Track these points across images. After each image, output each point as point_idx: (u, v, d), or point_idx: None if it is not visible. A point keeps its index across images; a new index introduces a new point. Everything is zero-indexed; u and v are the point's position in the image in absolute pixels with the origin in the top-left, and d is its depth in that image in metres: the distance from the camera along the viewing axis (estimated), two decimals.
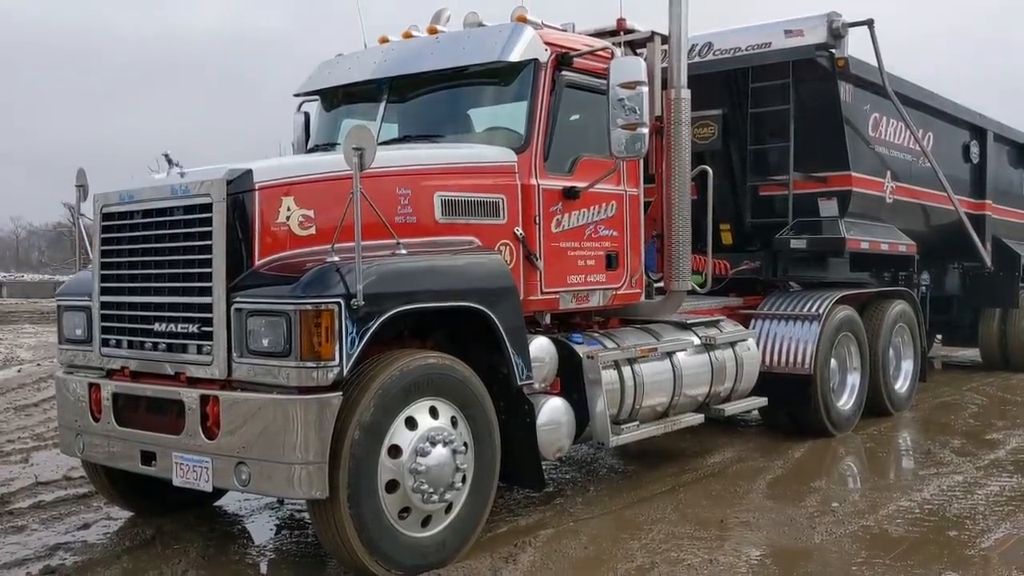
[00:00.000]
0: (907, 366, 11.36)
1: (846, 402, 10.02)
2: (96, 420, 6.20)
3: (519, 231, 6.65)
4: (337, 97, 7.88)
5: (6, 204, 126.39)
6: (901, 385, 11.22)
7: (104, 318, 6.19)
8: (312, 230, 5.70)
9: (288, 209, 5.63)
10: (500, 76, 6.93)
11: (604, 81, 6.89)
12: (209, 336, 5.51)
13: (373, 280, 5.29)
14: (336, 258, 5.31)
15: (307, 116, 8.58)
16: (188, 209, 5.65)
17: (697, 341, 8.04)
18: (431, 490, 5.55)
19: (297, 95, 8.19)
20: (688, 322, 8.22)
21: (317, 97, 8.15)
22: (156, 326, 5.82)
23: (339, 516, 5.23)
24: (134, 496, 6.91)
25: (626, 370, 7.23)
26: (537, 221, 6.77)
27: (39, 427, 10.95)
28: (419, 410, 5.63)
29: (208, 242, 5.52)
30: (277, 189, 5.61)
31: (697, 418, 8.00)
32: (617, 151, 6.60)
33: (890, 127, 11.15)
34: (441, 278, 5.83)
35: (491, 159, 6.61)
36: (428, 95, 7.23)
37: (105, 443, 6.15)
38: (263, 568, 6.04)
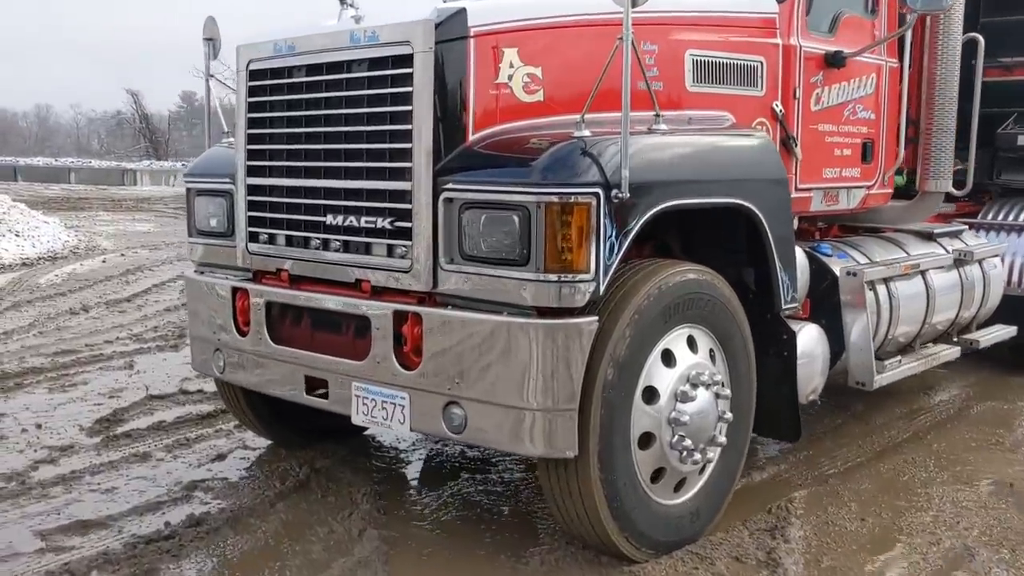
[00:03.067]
0: None
1: None
2: (242, 334, 4.93)
3: (778, 107, 5.13)
4: None
5: (66, 92, 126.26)
6: None
7: (252, 206, 4.85)
8: (539, 95, 4.24)
9: (511, 65, 4.16)
10: None
11: None
12: (405, 234, 4.14)
13: (639, 165, 3.84)
14: (586, 132, 3.86)
15: None
16: (375, 63, 4.21)
17: (947, 256, 6.49)
18: (692, 446, 4.21)
19: None
20: (935, 231, 6.66)
21: None
22: (328, 218, 4.46)
23: (586, 481, 3.92)
24: (277, 424, 5.69)
25: (881, 290, 5.76)
26: (796, 95, 5.23)
27: (136, 325, 9.88)
28: (676, 341, 4.25)
29: (405, 108, 4.10)
30: (498, 37, 4.14)
31: (954, 351, 6.53)
32: (914, 2, 4.98)
33: None
34: (707, 166, 4.35)
35: (750, 7, 5.03)
36: None
37: (255, 364, 4.89)
38: (462, 528, 4.77)
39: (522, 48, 4.16)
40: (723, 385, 4.35)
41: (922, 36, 6.27)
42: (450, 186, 3.98)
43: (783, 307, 4.77)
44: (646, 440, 4.13)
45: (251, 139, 4.82)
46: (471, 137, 4.09)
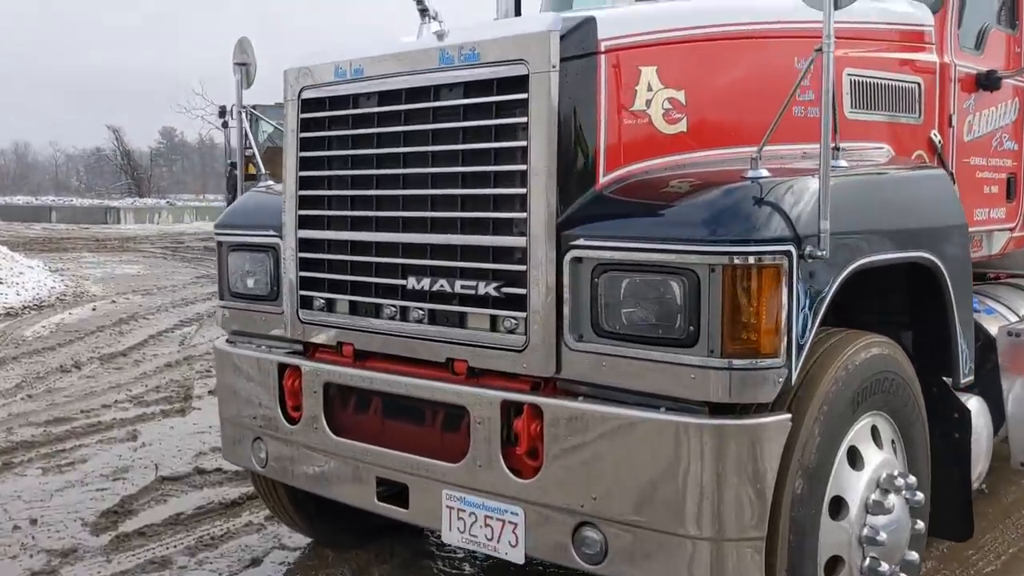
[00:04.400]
0: None
1: None
2: (292, 421, 4.00)
3: (936, 136, 4.28)
4: None
5: (44, 129, 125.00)
6: None
7: (305, 264, 3.94)
8: (682, 125, 3.37)
9: (649, 88, 3.28)
10: None
11: None
12: (517, 302, 3.24)
13: (833, 213, 2.95)
14: (763, 172, 2.97)
15: None
16: (475, 88, 3.33)
17: None
18: (886, 571, 3.29)
19: None
20: None
21: None
22: (409, 281, 3.55)
23: None
24: (322, 520, 4.74)
25: None
26: (952, 122, 4.39)
27: (135, 385, 8.89)
28: (862, 435, 3.36)
29: (517, 143, 3.22)
30: (635, 52, 3.27)
31: None
32: None
33: None
34: (896, 212, 3.48)
35: (904, 18, 4.19)
36: None
37: (308, 459, 3.95)
38: None
39: (662, 67, 3.29)
40: (915, 489, 3.45)
41: None
42: (580, 242, 3.08)
43: (962, 380, 3.89)
44: (832, 567, 3.21)
45: (304, 183, 3.92)
46: (602, 179, 3.21)
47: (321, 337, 3.92)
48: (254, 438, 4.20)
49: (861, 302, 3.78)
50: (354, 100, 3.73)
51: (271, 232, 4.13)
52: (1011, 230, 5.08)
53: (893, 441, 3.53)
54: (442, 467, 3.44)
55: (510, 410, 3.25)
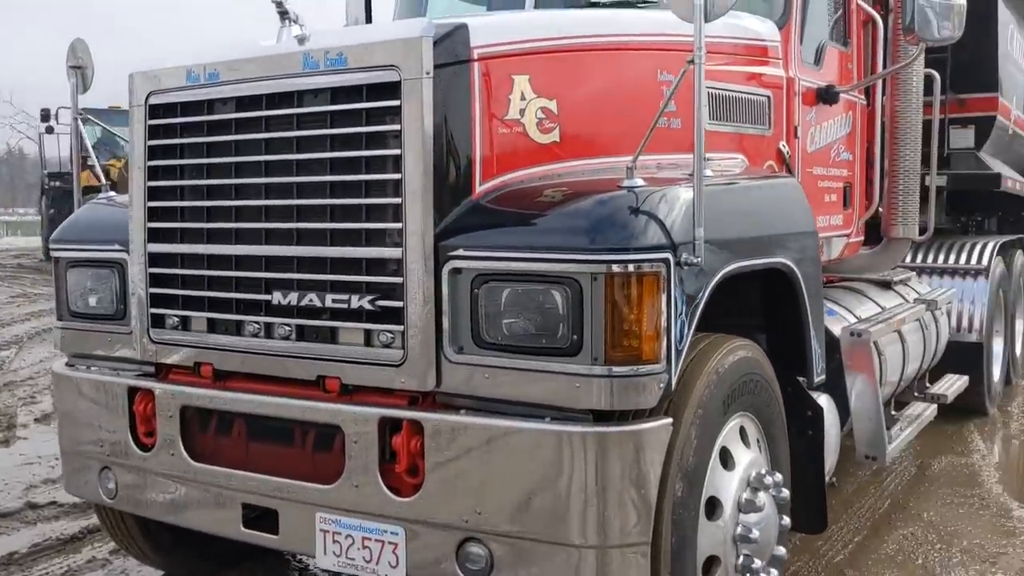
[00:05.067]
0: (1020, 327, 9.73)
1: (997, 373, 8.29)
2: (144, 448, 3.74)
3: (784, 147, 4.47)
4: None
5: None
6: (1021, 351, 9.61)
7: (156, 280, 3.71)
8: (554, 135, 3.37)
9: (522, 97, 3.27)
10: None
11: None
12: (393, 315, 3.14)
13: (709, 220, 3.02)
14: (639, 181, 3.01)
15: None
16: (341, 94, 3.22)
17: (920, 307, 6.06)
18: (759, 567, 3.39)
19: None
20: (894, 280, 6.22)
21: None
22: (274, 296, 3.39)
23: None
24: (178, 551, 4.46)
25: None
26: (798, 134, 4.60)
27: None
28: (732, 436, 3.45)
29: (390, 151, 3.13)
30: (507, 61, 3.25)
31: (933, 409, 6.06)
32: (927, 33, 4.45)
33: (1015, 43, 9.37)
34: (759, 220, 3.60)
35: (755, 34, 4.35)
36: None
37: (164, 488, 3.70)
38: None
39: (535, 75, 3.29)
40: (781, 486, 3.57)
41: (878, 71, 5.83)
42: (460, 253, 3.02)
43: (815, 379, 4.07)
44: (708, 568, 3.28)
45: (154, 194, 3.68)
46: (478, 188, 3.16)
47: (175, 357, 3.69)
48: (101, 468, 3.91)
49: (718, 307, 3.90)
50: (209, 106, 3.53)
51: (116, 247, 3.87)
52: (847, 236, 5.37)
53: (758, 440, 3.65)
54: (315, 489, 3.29)
55: (388, 427, 3.15)
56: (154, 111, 3.66)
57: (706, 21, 2.95)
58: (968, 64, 8.06)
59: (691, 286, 3.01)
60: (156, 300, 3.71)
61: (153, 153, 3.67)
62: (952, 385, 6.64)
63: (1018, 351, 9.50)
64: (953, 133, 8.53)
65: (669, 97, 3.08)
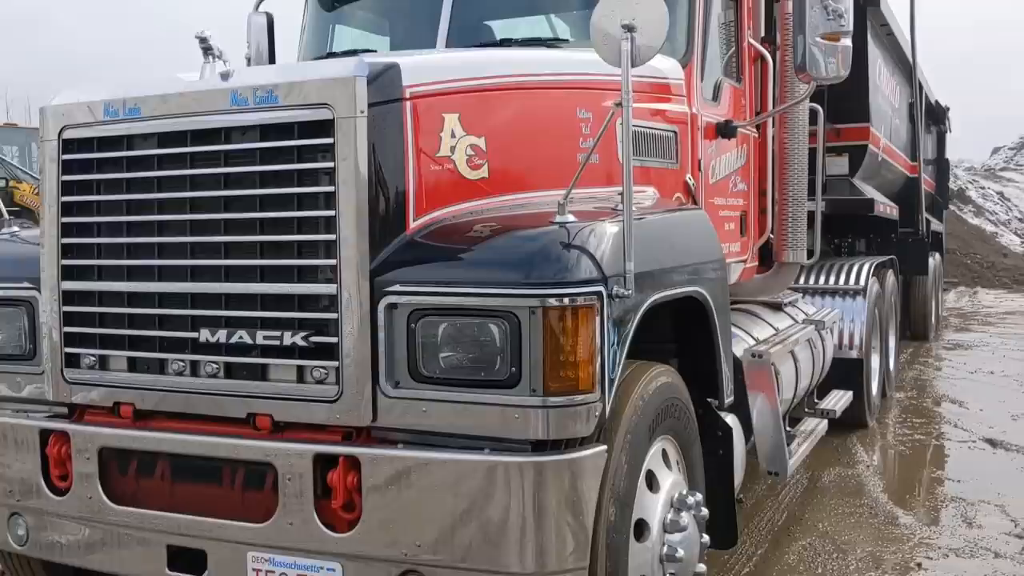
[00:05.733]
0: (892, 343, 10.35)
1: (875, 387, 8.80)
2: (59, 492, 3.62)
3: (691, 180, 4.67)
4: None
5: None
6: (892, 365, 10.21)
7: (71, 319, 3.61)
8: (483, 171, 3.46)
9: (452, 135, 3.35)
10: None
11: None
12: (327, 352, 3.16)
13: (636, 253, 3.16)
14: (570, 217, 3.13)
15: (270, 19, 6.02)
16: (272, 131, 3.22)
17: (811, 328, 6.39)
18: None
19: None
20: (784, 301, 6.54)
21: None
22: (202, 334, 3.35)
23: None
24: None
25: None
26: (701, 167, 4.82)
27: None
28: (656, 459, 3.59)
29: (323, 188, 3.16)
30: (438, 99, 3.32)
31: (824, 424, 6.38)
32: (816, 72, 4.74)
33: (882, 76, 10.02)
34: (678, 251, 3.76)
35: (663, 72, 4.54)
36: None
37: (81, 531, 3.59)
38: None
39: (464, 114, 3.37)
40: (702, 505, 3.73)
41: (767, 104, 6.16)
42: (396, 288, 3.07)
43: (726, 400, 4.26)
44: None
45: (68, 230, 3.59)
46: (412, 224, 3.22)
47: (92, 397, 3.60)
48: (10, 514, 3.76)
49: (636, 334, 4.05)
50: (129, 141, 3.47)
51: (24, 284, 3.74)
52: (744, 262, 5.63)
53: (678, 462, 3.81)
54: (246, 528, 3.26)
55: (323, 463, 3.15)
56: (68, 146, 3.58)
57: (632, 67, 3.08)
58: (842, 96, 8.57)
59: (622, 317, 3.14)
60: (71, 339, 3.61)
61: (68, 188, 3.58)
62: (839, 400, 7.02)
63: (891, 366, 10.09)
64: (829, 161, 9.03)
65: (598, 138, 3.22)
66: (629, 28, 3.13)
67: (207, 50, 3.40)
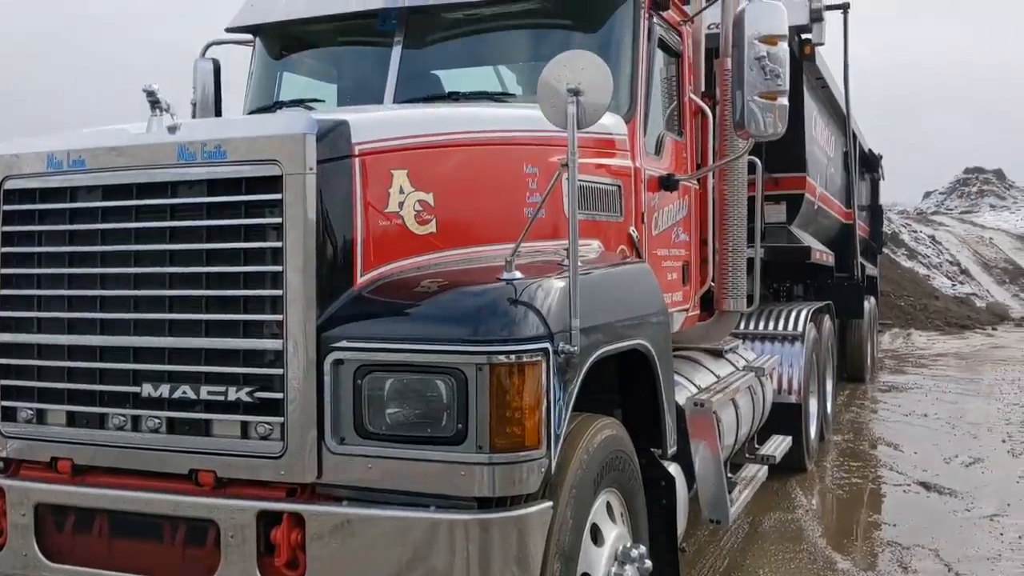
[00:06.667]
0: (829, 386, 10.56)
1: (813, 431, 8.96)
2: None
3: (634, 232, 4.76)
4: (302, 35, 5.49)
5: None
6: (830, 408, 10.41)
7: (6, 372, 3.55)
8: (431, 226, 3.49)
9: (401, 191, 3.38)
10: (589, 10, 4.97)
11: (678, 39, 5.26)
12: (271, 407, 3.15)
13: (581, 309, 3.21)
14: (518, 274, 3.17)
15: (217, 66, 6.03)
16: (219, 186, 3.22)
17: (752, 375, 6.50)
18: None
19: (230, 29, 5.65)
20: (725, 348, 6.66)
21: (251, 36, 5.71)
22: (144, 388, 3.31)
23: None
24: None
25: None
26: (644, 219, 4.92)
27: None
28: (600, 512, 3.62)
29: (270, 244, 3.16)
30: (387, 156, 3.36)
31: (764, 470, 6.48)
32: (755, 129, 4.88)
33: (818, 127, 10.33)
34: (618, 305, 3.82)
35: (606, 128, 4.64)
36: (471, 36, 5.10)
37: None
38: None
39: (413, 170, 3.41)
40: (645, 557, 3.77)
41: (708, 156, 6.32)
42: (343, 344, 3.07)
43: (669, 450, 4.32)
44: None
45: (6, 281, 3.54)
46: (359, 279, 3.23)
47: (29, 452, 3.52)
48: None
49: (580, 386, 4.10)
50: (72, 193, 3.44)
51: None
52: (686, 311, 5.74)
53: (622, 514, 3.84)
54: None
55: (266, 520, 3.12)
56: (9, 196, 3.53)
57: (578, 129, 3.16)
58: (780, 147, 8.79)
59: (567, 372, 3.18)
60: (7, 392, 3.55)
61: (8, 239, 3.53)
62: (779, 445, 7.14)
63: (829, 409, 10.28)
64: (767, 209, 9.28)
65: (544, 197, 3.28)
66: (575, 92, 3.21)
67: (155, 103, 3.39)
